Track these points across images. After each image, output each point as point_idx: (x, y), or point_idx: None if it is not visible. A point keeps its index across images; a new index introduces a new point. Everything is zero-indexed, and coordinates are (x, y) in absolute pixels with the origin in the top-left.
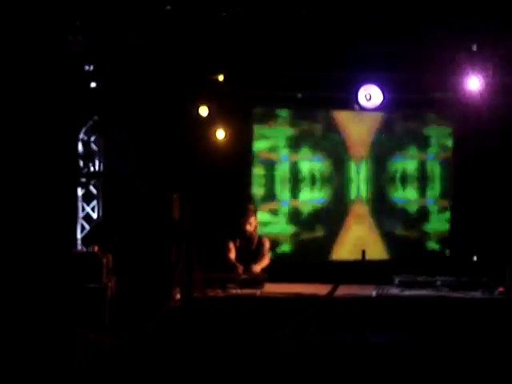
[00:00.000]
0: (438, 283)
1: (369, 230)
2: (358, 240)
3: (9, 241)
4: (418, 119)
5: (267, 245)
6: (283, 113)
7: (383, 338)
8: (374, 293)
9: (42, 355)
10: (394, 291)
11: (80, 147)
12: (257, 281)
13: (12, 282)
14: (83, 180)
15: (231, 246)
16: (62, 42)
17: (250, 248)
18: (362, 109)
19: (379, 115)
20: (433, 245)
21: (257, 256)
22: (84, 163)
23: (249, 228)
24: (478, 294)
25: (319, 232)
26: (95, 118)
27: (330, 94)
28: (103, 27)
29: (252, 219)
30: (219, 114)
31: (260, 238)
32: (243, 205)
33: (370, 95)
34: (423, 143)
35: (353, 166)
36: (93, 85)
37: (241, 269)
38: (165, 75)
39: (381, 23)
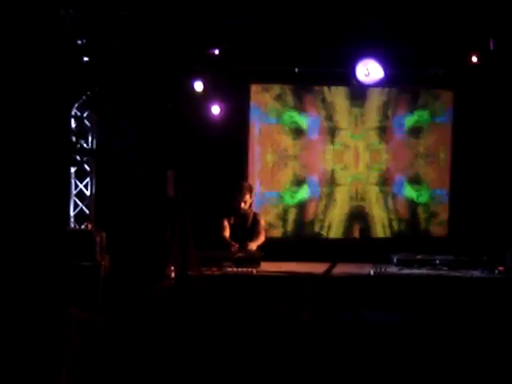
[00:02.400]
0: (437, 262)
1: None
2: None
3: (0, 219)
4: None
5: (262, 222)
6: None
7: (381, 317)
8: (372, 271)
9: (35, 335)
10: (393, 270)
11: (73, 123)
12: (253, 259)
13: (4, 261)
14: (77, 157)
15: (225, 223)
16: (53, 17)
17: (245, 226)
18: (361, 85)
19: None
20: None
21: (252, 234)
22: (77, 140)
23: (243, 206)
24: (477, 273)
25: None
26: (88, 93)
27: (328, 69)
28: (95, 0)
29: (246, 197)
30: (215, 90)
31: (255, 216)
32: (238, 182)
33: (369, 71)
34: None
35: None
36: (85, 59)
37: (235, 247)
38: (159, 49)
39: None
